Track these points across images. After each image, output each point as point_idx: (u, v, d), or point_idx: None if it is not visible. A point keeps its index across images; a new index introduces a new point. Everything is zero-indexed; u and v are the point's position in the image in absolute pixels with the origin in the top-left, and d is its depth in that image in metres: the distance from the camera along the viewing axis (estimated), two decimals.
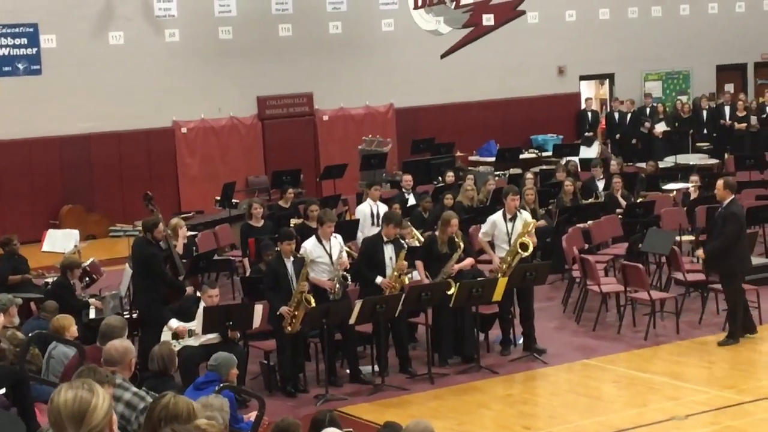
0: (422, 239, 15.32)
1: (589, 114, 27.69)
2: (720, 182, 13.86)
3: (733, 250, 13.55)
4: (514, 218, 13.92)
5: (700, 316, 14.65)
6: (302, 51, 25.01)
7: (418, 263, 13.72)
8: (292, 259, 12.70)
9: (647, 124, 27.08)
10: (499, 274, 13.49)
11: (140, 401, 6.89)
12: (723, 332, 14.26)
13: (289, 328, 12.36)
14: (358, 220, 16.54)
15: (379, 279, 13.04)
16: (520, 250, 13.52)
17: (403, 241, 13.56)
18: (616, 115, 27.64)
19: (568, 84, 28.57)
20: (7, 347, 10.23)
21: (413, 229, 15.39)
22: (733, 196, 13.75)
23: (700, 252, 13.92)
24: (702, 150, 26.48)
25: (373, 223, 16.29)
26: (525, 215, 14.11)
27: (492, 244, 14.11)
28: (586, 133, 26.96)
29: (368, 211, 16.64)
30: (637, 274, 14.16)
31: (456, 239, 13.42)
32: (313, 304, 12.29)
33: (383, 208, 16.45)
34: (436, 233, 13.70)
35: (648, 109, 27.56)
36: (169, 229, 14.31)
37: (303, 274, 12.42)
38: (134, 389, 7.18)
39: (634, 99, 27.94)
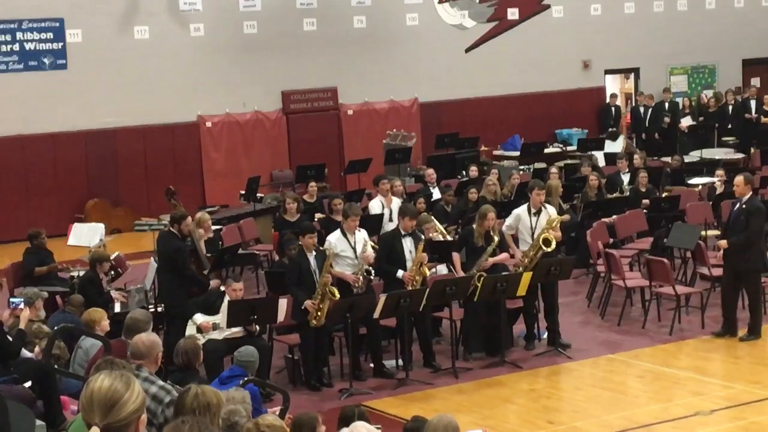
0: (446, 233, 15.33)
1: (613, 109, 27.57)
2: (740, 178, 13.77)
3: (756, 245, 13.52)
4: (538, 213, 13.92)
5: None
6: (327, 45, 25.03)
7: (455, 256, 13.73)
8: (314, 252, 12.72)
9: (667, 119, 26.92)
10: (521, 268, 13.48)
11: (166, 395, 6.93)
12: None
13: (314, 322, 12.37)
14: (382, 215, 16.53)
15: (400, 273, 13.04)
16: (542, 246, 13.50)
17: (420, 234, 13.54)
18: (641, 109, 27.53)
19: (593, 78, 28.47)
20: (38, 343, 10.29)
21: (437, 223, 15.39)
22: (751, 193, 13.68)
23: (723, 242, 13.74)
24: (727, 144, 26.35)
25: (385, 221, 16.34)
26: (550, 210, 14.10)
27: (516, 238, 14.10)
28: (610, 129, 26.83)
29: (380, 207, 16.64)
30: (662, 268, 14.11)
31: (492, 233, 13.42)
32: (338, 296, 12.30)
33: (396, 203, 16.46)
34: (474, 226, 13.68)
35: (667, 104, 27.33)
36: (194, 222, 14.35)
37: (326, 267, 12.44)
38: (160, 383, 7.21)
39: (653, 94, 27.78)
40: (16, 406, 8.23)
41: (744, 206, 13.51)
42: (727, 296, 13.80)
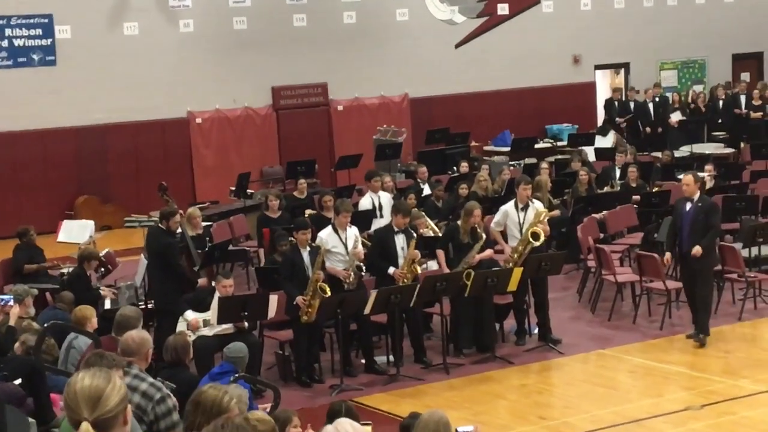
0: (436, 229, 15.32)
1: (616, 103, 27.55)
2: (689, 177, 13.41)
3: (716, 242, 13.43)
4: (526, 208, 13.91)
5: (716, 306, 14.59)
6: (317, 41, 25.01)
7: (439, 252, 13.72)
8: (307, 249, 12.71)
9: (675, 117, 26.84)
10: (510, 264, 13.48)
11: (156, 392, 6.90)
12: (739, 322, 14.28)
13: (305, 318, 12.36)
14: (371, 210, 16.52)
15: (391, 269, 13.04)
16: (531, 240, 13.49)
17: (413, 231, 13.54)
18: (631, 104, 27.54)
19: (584, 73, 28.50)
20: (25, 340, 10.24)
21: (428, 219, 15.38)
22: (700, 191, 13.49)
23: (698, 250, 13.09)
24: (718, 139, 26.37)
25: (375, 216, 16.32)
26: (537, 205, 14.10)
27: (504, 234, 14.10)
28: (618, 119, 26.58)
29: (369, 203, 16.65)
30: (653, 263, 14.11)
31: (478, 230, 13.41)
32: (329, 293, 12.29)
33: (385, 198, 16.51)
34: (459, 223, 13.68)
35: (657, 98, 27.25)
36: (185, 218, 14.31)
37: (318, 263, 12.44)
38: (150, 380, 7.18)
39: (639, 89, 27.73)
40: (12, 411, 8.23)
41: (700, 205, 13.24)
42: (693, 297, 13.53)
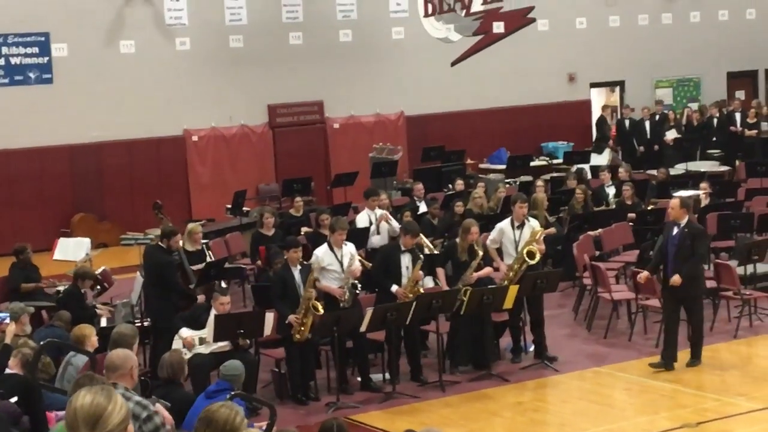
0: (431, 247, 15.33)
1: (608, 119, 27.65)
2: (676, 201, 13.17)
3: (702, 269, 13.11)
4: (522, 226, 13.93)
5: (711, 323, 14.62)
6: (313, 59, 25.06)
7: (439, 270, 13.73)
8: (299, 267, 12.71)
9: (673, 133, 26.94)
10: (506, 281, 13.50)
11: (143, 410, 6.88)
12: (735, 339, 14.28)
13: (298, 336, 12.36)
14: (368, 228, 16.54)
15: (394, 287, 13.05)
16: (527, 258, 13.51)
17: (419, 252, 13.55)
18: (627, 122, 27.63)
19: (579, 91, 28.58)
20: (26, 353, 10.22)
21: (423, 237, 15.39)
22: (688, 216, 13.09)
23: (676, 279, 12.74)
24: (713, 157, 26.44)
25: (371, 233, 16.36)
26: (533, 223, 14.12)
27: (500, 252, 14.12)
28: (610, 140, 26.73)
29: (366, 221, 16.67)
30: (649, 281, 14.11)
31: (476, 247, 13.43)
32: (321, 311, 12.29)
33: (379, 213, 16.53)
34: (457, 240, 13.69)
35: (647, 120, 27.36)
36: (185, 234, 14.34)
37: (310, 281, 12.44)
38: (137, 398, 7.17)
39: (634, 107, 27.86)
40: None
41: (686, 230, 12.94)
42: (671, 326, 13.09)
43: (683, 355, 13.43)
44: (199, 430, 6.03)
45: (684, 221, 13.01)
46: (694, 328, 13.25)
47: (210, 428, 5.94)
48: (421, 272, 13.18)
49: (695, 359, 13.24)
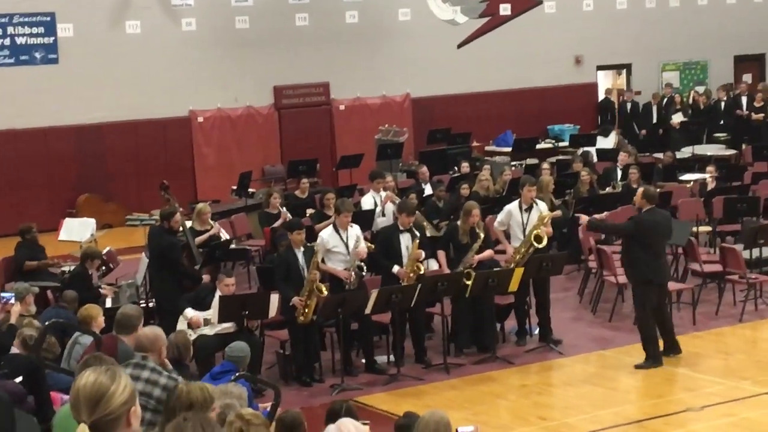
0: (432, 229, 15.31)
1: (615, 103, 27.59)
2: (640, 190, 13.04)
3: (650, 258, 12.60)
4: (530, 209, 13.91)
5: (716, 307, 14.62)
6: (319, 40, 25.01)
7: (440, 253, 13.71)
8: (302, 249, 12.69)
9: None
10: (512, 264, 13.48)
11: (175, 383, 6.98)
12: (740, 323, 14.26)
13: (302, 318, 12.35)
14: (373, 210, 16.52)
15: (395, 268, 13.04)
16: (534, 242, 13.49)
17: (417, 230, 13.54)
18: (628, 105, 27.59)
19: (585, 74, 28.50)
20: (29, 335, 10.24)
21: (421, 215, 15.34)
22: (651, 206, 12.72)
23: (584, 218, 13.98)
24: (719, 141, 26.37)
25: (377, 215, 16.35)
26: (541, 206, 14.09)
27: (507, 234, 14.10)
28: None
29: (371, 203, 16.65)
30: None
31: (477, 230, 13.41)
32: (325, 293, 12.28)
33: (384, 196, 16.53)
34: (458, 223, 13.67)
35: (655, 104, 27.33)
36: (195, 214, 14.30)
37: (314, 263, 12.41)
38: (167, 372, 7.30)
39: (641, 90, 27.81)
40: (20, 414, 8.25)
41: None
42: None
43: (687, 339, 13.44)
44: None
45: (644, 209, 12.70)
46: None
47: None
48: (420, 250, 13.12)
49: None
